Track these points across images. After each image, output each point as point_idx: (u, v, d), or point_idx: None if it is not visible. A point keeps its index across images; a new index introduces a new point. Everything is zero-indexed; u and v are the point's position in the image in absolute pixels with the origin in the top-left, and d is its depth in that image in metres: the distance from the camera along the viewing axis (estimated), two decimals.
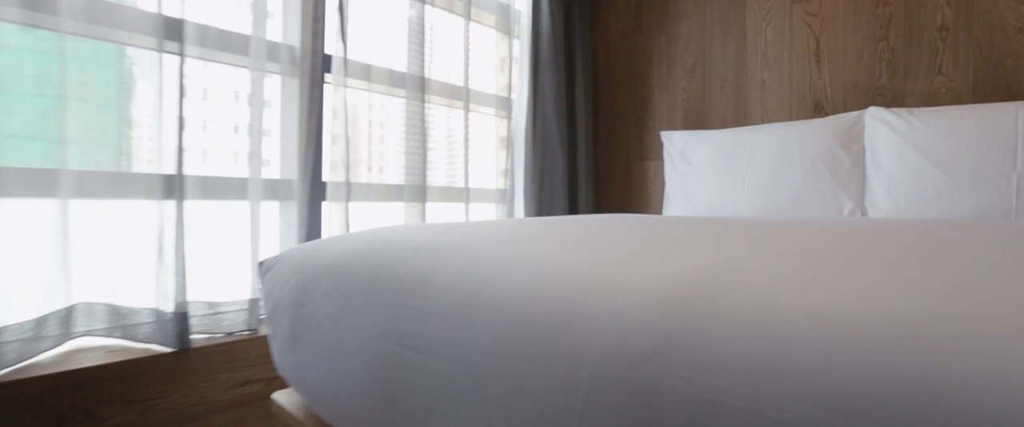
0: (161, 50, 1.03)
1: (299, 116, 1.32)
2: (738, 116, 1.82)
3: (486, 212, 2.01)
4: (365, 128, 1.67)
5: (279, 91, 1.36)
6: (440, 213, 1.80)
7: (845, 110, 1.60)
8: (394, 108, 1.69)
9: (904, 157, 1.34)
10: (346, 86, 1.39)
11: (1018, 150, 1.19)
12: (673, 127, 1.97)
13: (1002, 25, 1.38)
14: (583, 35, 2.08)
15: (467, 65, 1.78)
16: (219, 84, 1.35)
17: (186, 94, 1.05)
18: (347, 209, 1.38)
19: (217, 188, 1.17)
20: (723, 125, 1.85)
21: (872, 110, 1.44)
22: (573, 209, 2.08)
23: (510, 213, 1.95)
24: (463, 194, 1.77)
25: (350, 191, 1.44)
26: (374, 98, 1.69)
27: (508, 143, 1.98)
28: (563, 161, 2.00)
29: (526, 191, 1.92)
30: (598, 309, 0.34)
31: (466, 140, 1.80)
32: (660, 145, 2.00)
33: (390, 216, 1.66)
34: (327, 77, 1.41)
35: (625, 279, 0.36)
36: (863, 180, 1.41)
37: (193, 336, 1.09)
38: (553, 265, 0.41)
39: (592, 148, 2.17)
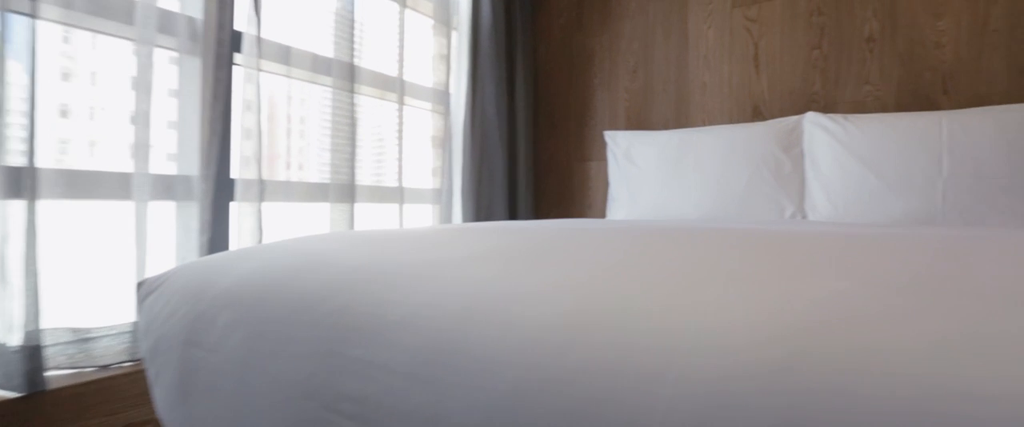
0: (5, 9, 0.81)
1: (201, 101, 1.11)
2: (680, 117, 1.81)
3: (421, 214, 1.86)
4: (284, 118, 1.47)
5: (177, 71, 1.14)
6: (371, 215, 1.64)
7: (782, 114, 1.63)
8: (318, 98, 1.51)
9: (841, 162, 1.36)
10: (260, 69, 1.20)
11: (942, 158, 1.25)
12: (615, 127, 1.93)
13: (922, 39, 1.45)
14: (524, 30, 2.00)
15: (402, 55, 1.63)
16: (109, 64, 1.11)
17: (40, 64, 0.83)
18: (260, 211, 1.19)
19: (88, 185, 0.95)
20: (665, 126, 1.83)
21: (810, 115, 1.46)
22: (512, 210, 1.98)
23: (446, 215, 1.82)
24: (397, 194, 1.62)
25: (264, 190, 1.25)
26: (295, 85, 1.50)
27: (445, 140, 1.85)
28: (503, 160, 1.90)
29: (464, 191, 1.80)
30: (663, 369, 0.23)
31: (400, 136, 1.64)
32: (602, 145, 1.95)
33: (313, 219, 1.48)
34: (237, 58, 1.21)
35: (698, 323, 0.25)
36: (803, 183, 1.43)
37: (51, 374, 0.86)
38: (572, 299, 0.29)
39: (532, 147, 2.08)
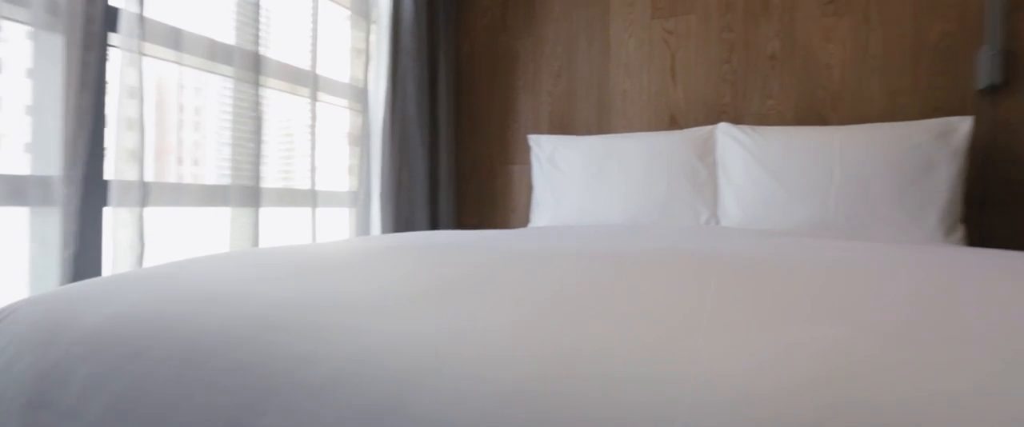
0: None
1: (65, 87, 0.94)
2: (601, 123, 1.84)
3: (337, 218, 1.74)
4: (174, 111, 1.29)
5: (31, 49, 0.95)
6: (279, 220, 1.49)
7: (696, 124, 1.71)
8: (217, 89, 1.35)
9: (749, 170, 1.45)
10: (142, 53, 1.04)
11: (834, 169, 1.36)
12: (539, 130, 1.93)
13: (815, 60, 1.58)
14: (447, 27, 1.93)
15: (315, 47, 1.50)
16: None
17: None
18: (142, 219, 1.03)
19: None
20: (587, 131, 1.86)
21: (722, 126, 1.54)
22: (434, 214, 1.91)
23: (364, 219, 1.71)
24: (309, 197, 1.49)
25: (147, 193, 1.09)
26: (190, 74, 1.32)
27: (363, 140, 1.74)
28: (424, 162, 1.82)
29: (383, 194, 1.70)
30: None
31: (313, 134, 1.51)
32: (526, 148, 1.94)
33: (209, 226, 1.32)
34: (113, 38, 1.04)
35: (699, 375, 0.21)
36: (716, 190, 1.51)
37: None
38: (542, 349, 0.25)
39: (455, 149, 2.03)
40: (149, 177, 1.12)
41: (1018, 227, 1.39)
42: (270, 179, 1.47)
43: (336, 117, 1.75)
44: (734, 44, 1.67)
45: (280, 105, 1.52)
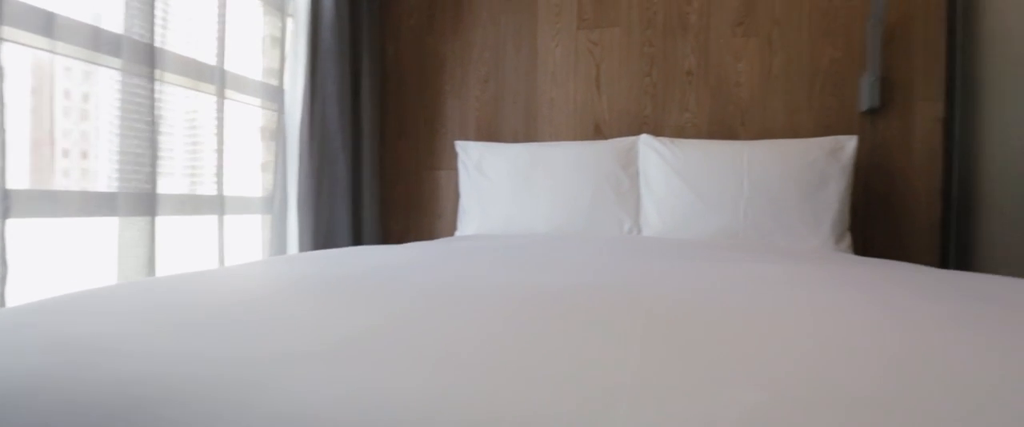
0: None
1: None
2: (528, 131, 1.85)
3: (249, 226, 1.61)
4: (45, 106, 1.13)
5: None
6: (180, 231, 1.36)
7: (619, 134, 1.76)
8: (103, 83, 1.20)
9: (669, 181, 1.52)
10: (2, 39, 0.90)
11: (743, 181, 1.46)
12: (466, 137, 1.90)
13: (726, 77, 1.69)
14: (371, 26, 1.86)
15: (223, 40, 1.38)
16: None
17: None
18: (3, 234, 0.89)
19: None
20: (514, 138, 1.86)
21: (644, 137, 1.60)
22: (357, 221, 1.84)
23: (280, 227, 1.61)
24: (216, 204, 1.37)
25: (9, 203, 0.95)
26: (61, 64, 1.17)
27: (278, 142, 1.63)
28: (346, 166, 1.74)
29: (301, 200, 1.61)
30: None
31: (220, 135, 1.39)
32: (453, 154, 1.91)
33: (94, 239, 1.17)
34: None
35: None
36: (639, 200, 1.56)
37: None
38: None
39: (379, 153, 1.96)
40: (11, 185, 0.98)
41: (892, 235, 1.57)
42: (169, 185, 1.33)
43: (247, 117, 1.63)
44: (654, 58, 1.75)
45: (181, 103, 1.38)
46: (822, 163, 1.44)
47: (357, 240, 1.82)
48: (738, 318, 0.37)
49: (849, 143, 1.45)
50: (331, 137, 1.71)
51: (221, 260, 1.35)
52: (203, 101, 1.43)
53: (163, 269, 1.24)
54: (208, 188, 1.41)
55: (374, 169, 1.87)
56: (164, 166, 1.32)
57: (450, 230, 1.91)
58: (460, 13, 1.92)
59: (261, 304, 0.42)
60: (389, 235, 1.98)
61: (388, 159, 1.99)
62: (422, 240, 1.95)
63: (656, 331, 0.33)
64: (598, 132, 1.79)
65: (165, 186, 1.31)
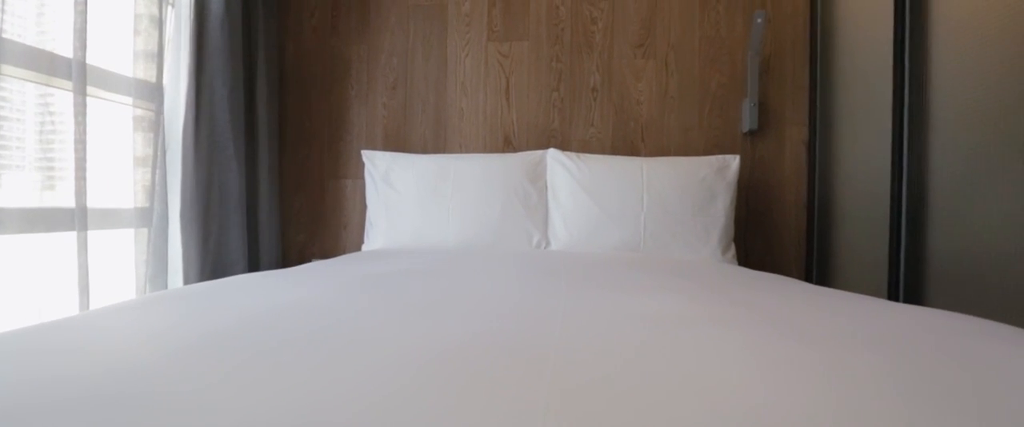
0: None
1: None
2: (438, 141, 1.83)
3: (121, 242, 1.43)
4: None
5: None
6: (26, 251, 1.18)
7: (528, 147, 1.79)
8: None
9: (574, 194, 1.57)
10: None
11: (643, 195, 1.55)
12: (373, 145, 1.84)
13: (628, 96, 1.78)
14: (267, 23, 1.72)
15: (83, 27, 1.21)
16: None
17: None
18: None
19: None
20: (423, 148, 1.83)
21: (552, 151, 1.64)
22: (253, 233, 1.70)
23: (160, 242, 1.44)
24: (75, 218, 1.20)
25: None
26: None
27: (157, 147, 1.46)
28: (240, 175, 1.60)
29: (185, 213, 1.46)
30: None
31: (82, 139, 1.22)
32: (359, 162, 1.84)
33: None
34: None
35: None
36: (547, 213, 1.60)
37: None
38: None
39: (278, 161, 1.83)
40: None
41: (768, 244, 1.75)
42: (12, 196, 1.14)
43: (119, 118, 1.44)
44: (562, 73, 1.80)
45: (26, 101, 1.19)
46: (711, 180, 1.56)
47: (253, 257, 1.69)
48: (649, 377, 0.38)
49: (734, 162, 1.59)
50: (222, 143, 1.56)
51: (83, 288, 1.18)
52: (59, 99, 1.24)
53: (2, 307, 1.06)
54: (65, 199, 1.23)
55: (272, 178, 1.74)
56: (6, 176, 1.13)
57: (356, 243, 1.83)
58: (366, 15, 1.84)
59: (104, 376, 0.37)
60: (290, 250, 1.86)
61: (289, 167, 1.87)
62: (326, 255, 1.85)
63: (559, 407, 0.33)
64: (507, 144, 1.81)
65: (6, 198, 1.12)
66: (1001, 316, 0.97)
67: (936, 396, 0.36)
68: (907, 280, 1.25)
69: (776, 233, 1.75)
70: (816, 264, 1.68)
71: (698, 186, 1.55)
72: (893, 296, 1.28)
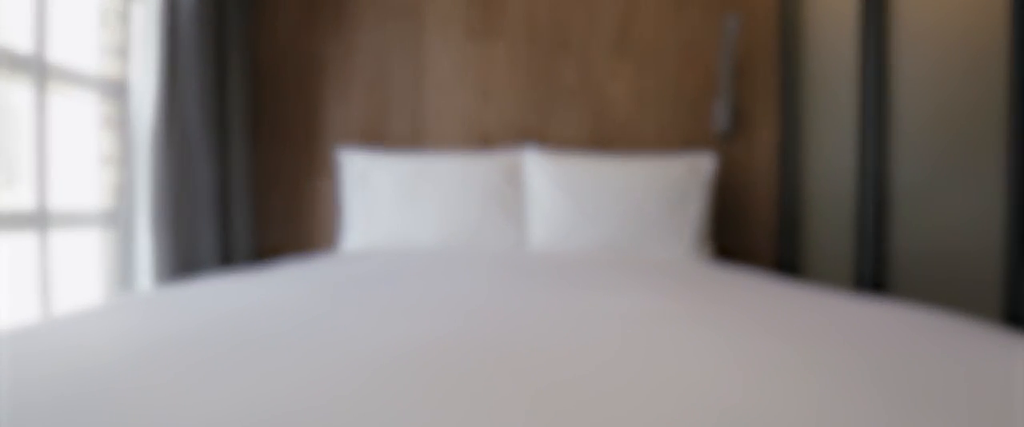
0: None
1: None
2: (415, 140, 1.82)
3: (85, 244, 1.38)
4: None
5: None
6: None
7: (505, 146, 1.80)
8: None
9: (551, 193, 1.58)
10: None
11: (620, 195, 1.56)
12: (349, 143, 1.82)
13: (604, 96, 1.80)
14: (241, 19, 1.69)
15: (42, 20, 1.17)
16: None
17: None
18: None
19: None
20: (400, 147, 1.81)
21: (529, 151, 1.65)
22: (226, 234, 1.67)
23: (127, 244, 1.40)
24: (35, 219, 1.16)
25: None
26: None
27: (124, 146, 1.42)
28: (213, 174, 1.57)
29: (155, 213, 1.42)
30: None
31: (41, 136, 1.18)
32: (335, 161, 1.81)
33: None
34: None
35: None
36: (524, 213, 1.60)
37: None
38: None
39: (252, 160, 1.79)
40: None
41: (741, 240, 1.79)
42: None
43: (83, 114, 1.39)
44: (539, 73, 1.81)
45: None
46: (686, 178, 1.59)
47: (226, 258, 1.65)
48: (628, 386, 0.38)
49: (708, 161, 1.62)
50: (193, 142, 1.53)
51: (44, 291, 1.14)
52: (17, 95, 1.20)
53: None
54: (25, 199, 1.18)
55: (246, 177, 1.70)
56: None
57: (331, 242, 1.81)
58: (342, 15, 1.82)
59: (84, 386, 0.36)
60: (263, 249, 1.82)
61: (262, 166, 1.84)
62: (301, 255, 1.82)
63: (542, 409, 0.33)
64: (485, 143, 1.81)
65: None
66: (957, 307, 1.02)
67: (910, 390, 0.37)
68: (872, 275, 1.29)
69: (749, 230, 1.79)
70: (788, 260, 1.73)
71: (673, 185, 1.57)
72: (859, 289, 1.33)
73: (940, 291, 1.10)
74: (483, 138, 1.81)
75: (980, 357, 0.46)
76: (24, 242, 1.18)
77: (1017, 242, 0.90)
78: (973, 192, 1.02)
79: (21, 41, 1.17)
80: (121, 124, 1.44)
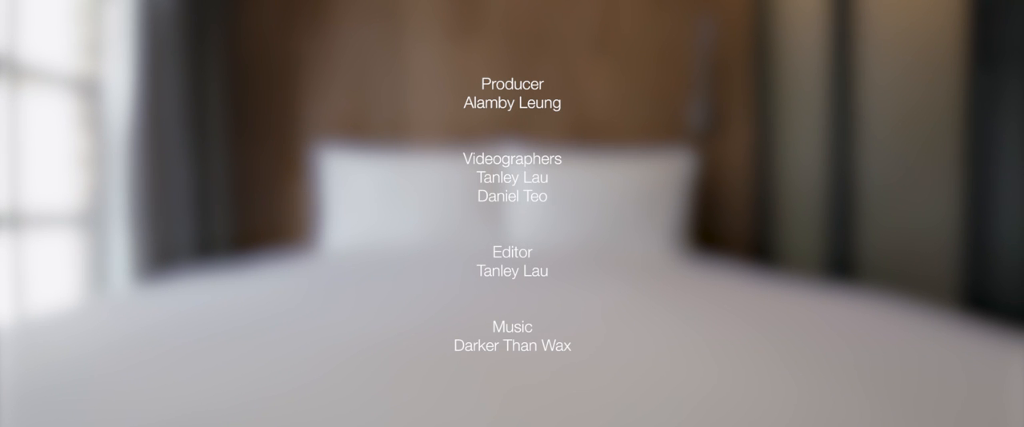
0: None
1: None
2: (395, 139, 1.82)
3: (56, 246, 1.36)
4: None
5: None
6: None
7: (486, 145, 1.81)
8: None
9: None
10: None
11: (601, 193, 1.58)
12: (330, 141, 1.81)
13: (585, 92, 1.82)
14: (220, 17, 1.67)
15: (14, 17, 1.15)
16: None
17: None
18: None
19: None
20: (381, 146, 1.81)
21: (508, 149, 1.66)
22: (206, 234, 1.65)
23: (101, 246, 1.38)
24: (8, 220, 1.14)
25: None
26: None
27: (99, 146, 1.40)
28: (191, 173, 1.55)
29: (132, 213, 1.40)
30: None
31: (12, 135, 1.16)
32: (315, 160, 1.81)
33: None
34: None
35: None
36: (503, 210, 1.61)
37: None
38: None
39: (231, 159, 1.78)
40: None
41: (719, 237, 1.81)
42: None
43: (55, 112, 1.37)
44: (519, 71, 1.82)
45: None
46: (665, 176, 1.61)
47: (204, 257, 1.64)
48: (604, 379, 0.38)
49: (686, 159, 1.65)
50: (171, 141, 1.51)
51: (16, 293, 1.12)
52: None
53: None
54: None
55: (226, 177, 1.69)
56: None
57: (312, 240, 1.80)
58: (322, 12, 1.81)
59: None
60: (242, 249, 1.81)
61: (242, 165, 1.82)
62: (279, 254, 1.81)
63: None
64: (465, 140, 1.82)
65: None
66: (919, 295, 1.05)
67: (885, 379, 0.38)
68: (841, 265, 1.32)
69: (726, 227, 1.82)
70: (762, 253, 1.76)
71: (651, 182, 1.59)
72: (829, 278, 1.36)
73: (904, 280, 1.13)
74: (463, 135, 1.82)
75: (945, 345, 0.47)
76: None
77: (972, 234, 0.93)
78: (933, 189, 1.05)
79: None
80: (95, 123, 1.42)
